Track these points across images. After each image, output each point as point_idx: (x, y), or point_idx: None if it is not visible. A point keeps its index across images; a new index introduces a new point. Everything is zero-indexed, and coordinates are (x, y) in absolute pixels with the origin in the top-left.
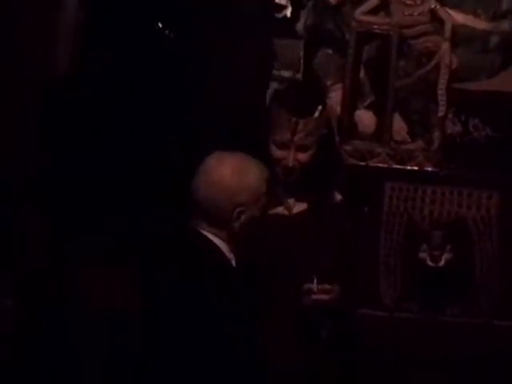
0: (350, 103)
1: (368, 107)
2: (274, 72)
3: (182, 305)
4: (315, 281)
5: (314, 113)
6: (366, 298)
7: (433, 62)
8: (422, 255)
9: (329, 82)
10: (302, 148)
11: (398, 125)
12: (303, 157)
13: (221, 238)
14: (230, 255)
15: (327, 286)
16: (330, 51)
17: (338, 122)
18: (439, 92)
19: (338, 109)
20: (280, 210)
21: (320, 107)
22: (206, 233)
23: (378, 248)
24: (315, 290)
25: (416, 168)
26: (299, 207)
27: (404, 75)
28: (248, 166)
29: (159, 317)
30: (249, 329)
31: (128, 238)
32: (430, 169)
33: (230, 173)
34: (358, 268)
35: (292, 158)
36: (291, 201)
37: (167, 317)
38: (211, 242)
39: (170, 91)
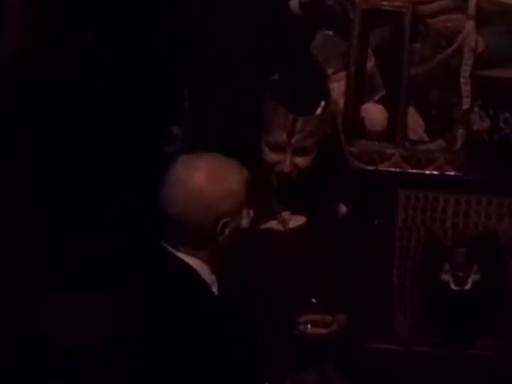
0: (356, 95)
1: (378, 101)
2: None
3: (156, 346)
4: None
5: (315, 109)
6: (377, 330)
7: (454, 45)
8: (445, 277)
9: (330, 71)
10: (300, 151)
11: (414, 121)
12: (302, 161)
13: (200, 260)
14: (211, 279)
15: (328, 317)
16: (330, 33)
17: (341, 118)
18: (462, 81)
19: (341, 102)
20: (273, 224)
21: (323, 103)
22: (181, 255)
23: (391, 269)
24: (314, 320)
25: (436, 172)
26: (296, 221)
27: (420, 61)
28: (225, 168)
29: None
30: (236, 369)
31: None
32: (452, 173)
33: (207, 179)
34: (368, 293)
35: (288, 162)
36: (287, 214)
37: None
38: (188, 266)
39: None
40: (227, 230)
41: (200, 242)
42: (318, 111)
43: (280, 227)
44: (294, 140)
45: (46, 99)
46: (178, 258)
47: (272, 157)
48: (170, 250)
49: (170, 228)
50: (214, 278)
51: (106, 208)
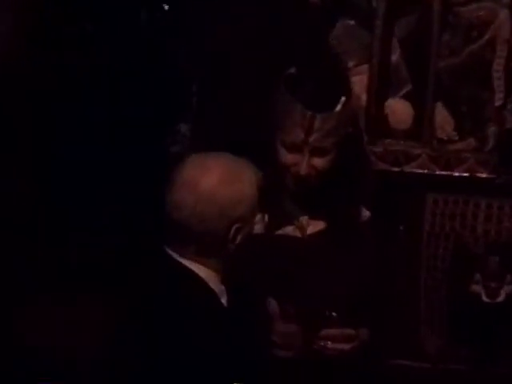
0: (379, 90)
1: (403, 96)
2: None
3: (158, 360)
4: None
5: (335, 106)
6: (403, 345)
7: (486, 36)
8: (475, 288)
9: (351, 63)
10: (318, 151)
11: (442, 118)
12: (320, 162)
13: (209, 268)
14: (220, 289)
15: (349, 332)
16: (352, 22)
17: (364, 115)
18: (495, 75)
19: (364, 98)
20: (290, 230)
21: (343, 98)
22: (188, 263)
23: (417, 279)
24: (334, 335)
25: (466, 174)
26: (315, 227)
27: (449, 54)
28: (238, 168)
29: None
30: None
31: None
32: (483, 175)
33: (220, 181)
34: (392, 306)
35: (306, 163)
36: (304, 219)
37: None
38: (195, 274)
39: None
40: (239, 237)
41: (209, 248)
42: (338, 108)
43: (297, 233)
44: (311, 139)
45: (45, 98)
46: (183, 265)
47: (288, 157)
48: (175, 256)
49: (177, 233)
50: (223, 288)
51: (106, 208)
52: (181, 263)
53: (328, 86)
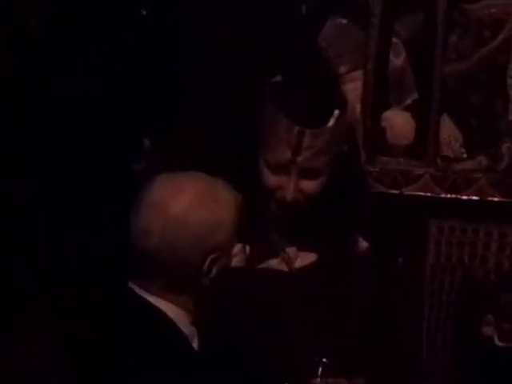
0: (376, 100)
1: (404, 107)
2: None
3: None
4: (321, 369)
5: (327, 120)
6: None
7: (500, 37)
8: (486, 330)
9: (343, 69)
10: (308, 173)
11: (449, 133)
12: (310, 186)
13: (178, 306)
14: (190, 331)
15: (342, 382)
16: (344, 21)
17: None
18: (509, 82)
19: (358, 109)
20: (275, 263)
21: (337, 112)
22: (153, 299)
23: (419, 319)
24: None
25: (475, 198)
26: (304, 260)
27: (457, 57)
28: (214, 190)
29: None
30: None
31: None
32: (496, 199)
33: (193, 203)
34: (391, 350)
35: (293, 187)
36: (292, 250)
37: None
38: (162, 313)
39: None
40: (215, 269)
41: (180, 283)
42: (331, 123)
43: (284, 267)
44: (299, 159)
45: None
46: (148, 302)
47: (272, 179)
48: (139, 292)
49: (142, 264)
50: (194, 329)
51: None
52: (146, 300)
53: (319, 97)
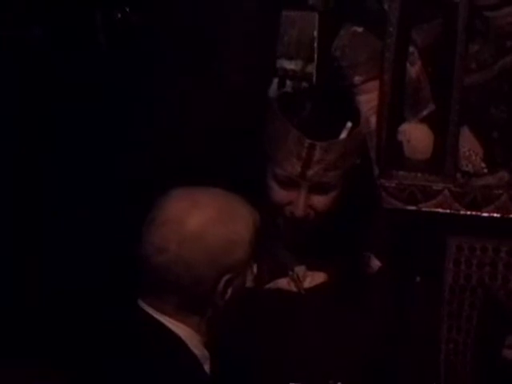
0: (392, 112)
1: (422, 119)
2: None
3: None
4: None
5: (339, 133)
6: None
7: None
8: (508, 354)
9: (357, 79)
10: (319, 188)
11: (469, 146)
12: (321, 201)
13: (190, 327)
14: (203, 354)
15: None
16: (359, 29)
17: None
18: None
19: (373, 121)
20: (284, 283)
21: (349, 124)
22: (165, 320)
23: (437, 342)
24: None
25: (497, 215)
26: (314, 280)
27: (478, 68)
28: (232, 206)
29: None
30: None
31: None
32: None
33: (210, 220)
34: (407, 375)
35: (303, 202)
36: (301, 269)
37: None
38: (174, 335)
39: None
40: (230, 290)
41: (193, 303)
42: (343, 135)
43: (292, 287)
44: (310, 173)
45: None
46: (160, 324)
47: (281, 195)
48: (149, 311)
49: (153, 281)
50: (206, 352)
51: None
52: (156, 319)
53: (330, 109)
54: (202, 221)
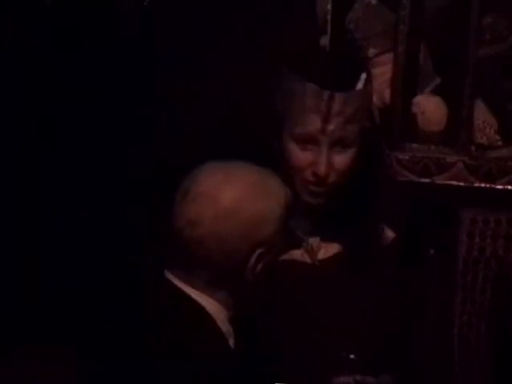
0: (407, 85)
1: (434, 92)
2: None
3: None
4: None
5: (355, 83)
6: None
7: None
8: None
9: (372, 51)
10: (339, 143)
11: (483, 118)
12: (341, 160)
13: (218, 301)
14: (228, 329)
15: (369, 379)
16: (373, 2)
17: (387, 114)
18: None
19: (387, 94)
20: (297, 254)
21: (364, 75)
22: (193, 293)
23: (450, 316)
24: (351, 382)
25: (511, 187)
26: (328, 251)
27: (491, 39)
28: (265, 181)
29: None
30: None
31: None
32: None
33: (245, 195)
34: (420, 347)
35: (325, 159)
36: (315, 241)
37: None
38: (201, 308)
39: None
40: (260, 265)
41: (222, 277)
42: (360, 85)
43: (306, 258)
44: (331, 127)
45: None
46: (188, 297)
47: (301, 156)
48: (177, 283)
49: (184, 255)
50: (230, 328)
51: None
52: (185, 293)
53: (343, 60)
54: (235, 196)
